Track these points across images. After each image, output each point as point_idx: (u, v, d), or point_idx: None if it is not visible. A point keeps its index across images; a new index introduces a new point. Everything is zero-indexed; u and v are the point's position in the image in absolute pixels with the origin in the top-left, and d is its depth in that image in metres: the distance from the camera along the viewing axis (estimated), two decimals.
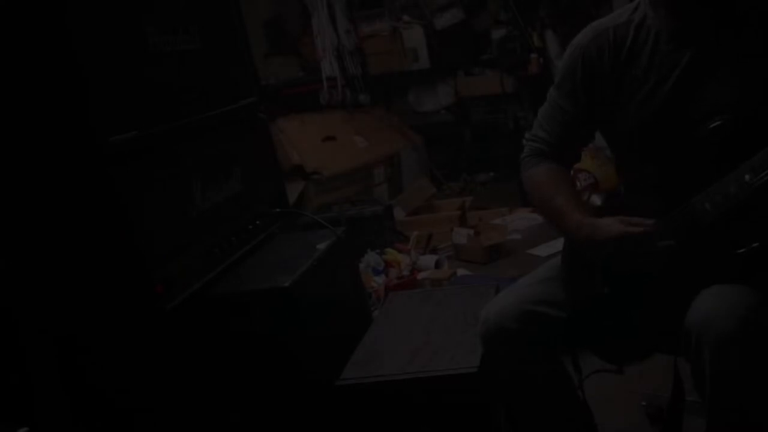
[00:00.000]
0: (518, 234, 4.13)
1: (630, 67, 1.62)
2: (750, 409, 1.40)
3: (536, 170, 1.74)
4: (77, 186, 1.65)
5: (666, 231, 1.54)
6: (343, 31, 5.18)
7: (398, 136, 5.16)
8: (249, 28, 2.41)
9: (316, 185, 4.35)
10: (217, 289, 1.92)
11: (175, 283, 1.78)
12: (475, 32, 5.22)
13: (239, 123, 2.25)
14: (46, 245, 1.68)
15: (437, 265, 3.66)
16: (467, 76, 5.30)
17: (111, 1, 1.77)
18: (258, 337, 1.87)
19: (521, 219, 4.31)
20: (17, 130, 1.63)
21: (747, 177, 1.40)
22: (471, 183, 5.21)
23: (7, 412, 1.60)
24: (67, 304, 1.71)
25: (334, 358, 1.91)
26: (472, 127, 5.44)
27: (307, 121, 4.73)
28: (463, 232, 4.01)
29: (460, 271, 3.66)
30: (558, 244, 1.86)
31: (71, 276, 1.70)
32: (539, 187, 1.73)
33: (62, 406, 1.73)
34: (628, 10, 1.66)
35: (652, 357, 1.67)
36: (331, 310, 2.10)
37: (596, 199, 3.91)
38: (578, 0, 4.67)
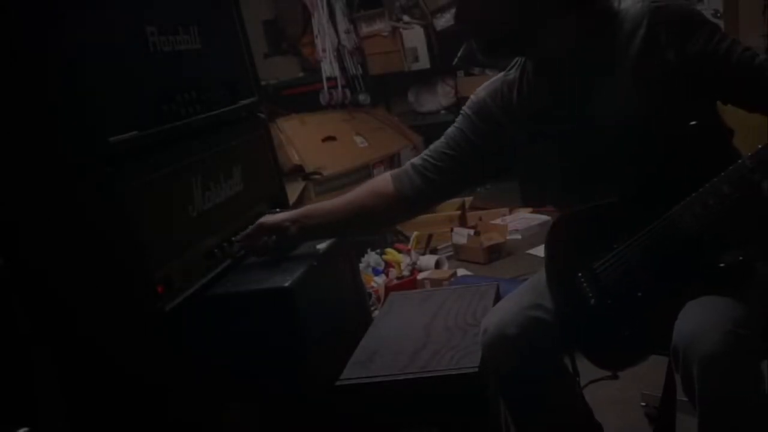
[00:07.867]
0: (518, 234, 4.13)
1: (521, 111, 1.69)
2: (740, 424, 1.39)
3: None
4: (77, 186, 1.65)
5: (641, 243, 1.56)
6: (343, 31, 5.18)
7: (398, 136, 5.15)
8: (249, 28, 2.41)
9: (316, 185, 4.35)
10: (217, 289, 1.91)
11: (175, 283, 1.78)
12: None
13: (239, 123, 2.25)
14: (46, 245, 1.68)
15: (437, 265, 3.67)
16: (467, 76, 5.30)
17: (111, 0, 1.77)
18: (258, 338, 1.87)
19: (521, 219, 4.31)
20: (17, 130, 1.63)
21: (725, 189, 1.41)
22: None
23: (7, 412, 1.60)
24: (67, 304, 1.71)
25: (334, 358, 1.92)
26: None
27: (307, 121, 4.73)
28: (463, 232, 4.02)
29: (460, 271, 3.66)
30: None
31: (71, 276, 1.69)
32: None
33: (62, 406, 1.73)
34: (511, 64, 1.76)
35: (650, 358, 1.67)
36: (331, 310, 2.10)
37: None
38: None
